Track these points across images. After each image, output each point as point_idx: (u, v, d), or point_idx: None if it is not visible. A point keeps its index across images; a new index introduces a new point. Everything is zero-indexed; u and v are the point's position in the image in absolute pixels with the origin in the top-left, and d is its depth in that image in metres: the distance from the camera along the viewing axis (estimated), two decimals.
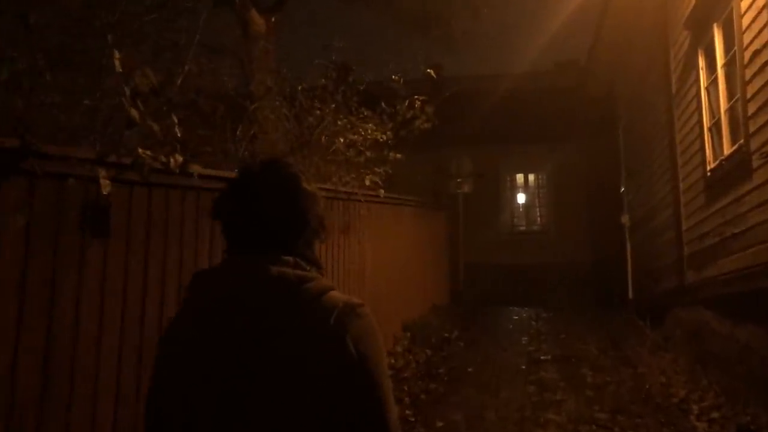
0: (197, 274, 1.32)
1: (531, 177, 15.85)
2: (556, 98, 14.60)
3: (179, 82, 4.05)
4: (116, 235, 2.81)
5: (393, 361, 6.71)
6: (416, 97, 5.94)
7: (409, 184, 11.56)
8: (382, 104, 6.45)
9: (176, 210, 3.26)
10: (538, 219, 15.79)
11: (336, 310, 1.19)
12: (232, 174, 3.93)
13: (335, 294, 1.25)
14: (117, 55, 2.34)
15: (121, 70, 2.36)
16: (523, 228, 15.77)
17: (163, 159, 2.74)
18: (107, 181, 2.33)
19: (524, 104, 15.15)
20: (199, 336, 1.22)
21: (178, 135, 2.73)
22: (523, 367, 7.02)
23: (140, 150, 2.72)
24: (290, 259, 1.24)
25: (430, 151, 14.29)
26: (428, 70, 5.39)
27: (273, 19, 6.25)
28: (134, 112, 2.58)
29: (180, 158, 2.76)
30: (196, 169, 2.93)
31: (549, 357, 7.47)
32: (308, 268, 1.27)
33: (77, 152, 2.47)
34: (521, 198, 15.85)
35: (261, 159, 1.39)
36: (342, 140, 5.50)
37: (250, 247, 1.27)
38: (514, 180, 15.87)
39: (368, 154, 5.59)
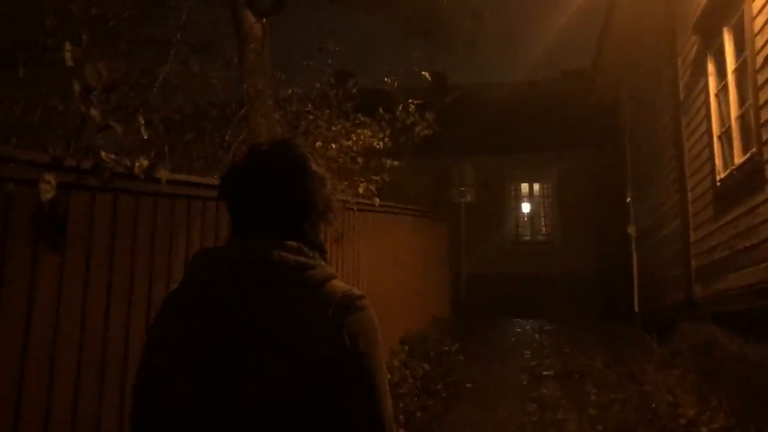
0: (200, 252, 1.28)
1: (536, 186, 15.64)
2: (562, 106, 14.42)
3: (158, 82, 3.83)
4: (77, 243, 2.60)
5: (389, 376, 6.46)
6: (411, 101, 5.71)
7: (412, 193, 11.35)
8: (380, 110, 6.22)
9: (147, 218, 3.05)
10: (543, 229, 15.56)
11: (334, 302, 1.16)
12: (213, 180, 3.70)
13: (336, 283, 1.21)
14: (68, 47, 2.13)
15: (72, 64, 2.15)
16: (527, 238, 15.55)
17: (127, 163, 2.52)
18: (48, 186, 2.10)
19: (530, 112, 14.99)
20: (191, 320, 1.18)
21: (145, 137, 2.51)
22: (525, 383, 6.76)
23: (103, 154, 2.51)
24: (294, 244, 1.20)
25: (434, 159, 14.11)
26: (423, 73, 5.14)
27: (264, 20, 6.04)
28: (94, 112, 2.36)
29: (145, 162, 2.54)
30: (163, 174, 2.71)
31: (551, 372, 7.21)
32: (311, 254, 1.22)
33: (25, 155, 2.25)
34: (526, 207, 15.64)
35: (270, 139, 1.34)
36: (334, 146, 5.28)
37: (255, 228, 1.23)
38: (518, 189, 15.67)
39: (360, 160, 5.35)
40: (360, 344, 1.15)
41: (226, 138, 5.02)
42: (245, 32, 6.89)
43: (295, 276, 1.16)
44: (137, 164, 2.52)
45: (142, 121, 2.57)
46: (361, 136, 5.53)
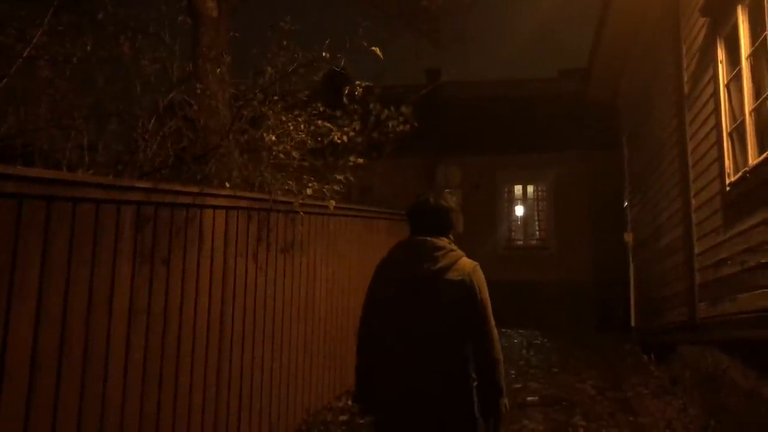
0: (397, 244, 2.86)
1: (530, 188, 14.84)
2: (559, 106, 13.71)
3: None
4: None
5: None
6: (359, 83, 4.90)
7: (392, 195, 10.55)
8: (344, 98, 5.43)
9: None
10: (537, 233, 14.75)
11: (468, 267, 2.70)
12: (88, 177, 2.87)
13: (466, 259, 2.74)
14: None
15: None
16: (520, 242, 14.74)
17: None
18: None
19: (525, 112, 14.29)
20: (394, 273, 2.76)
21: None
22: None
23: None
24: (445, 238, 2.77)
25: (420, 159, 13.38)
26: (373, 48, 4.32)
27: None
28: None
29: None
30: None
31: (536, 398, 6.41)
32: (453, 244, 2.77)
33: None
34: (519, 211, 14.82)
35: (431, 194, 2.92)
36: (273, 137, 4.48)
37: (424, 232, 2.77)
38: (512, 191, 14.86)
39: (296, 155, 4.54)
40: (480, 289, 2.68)
41: (149, 126, 4.24)
42: (198, 10, 6.21)
43: (447, 252, 2.70)
44: None
45: None
46: (303, 128, 4.70)
